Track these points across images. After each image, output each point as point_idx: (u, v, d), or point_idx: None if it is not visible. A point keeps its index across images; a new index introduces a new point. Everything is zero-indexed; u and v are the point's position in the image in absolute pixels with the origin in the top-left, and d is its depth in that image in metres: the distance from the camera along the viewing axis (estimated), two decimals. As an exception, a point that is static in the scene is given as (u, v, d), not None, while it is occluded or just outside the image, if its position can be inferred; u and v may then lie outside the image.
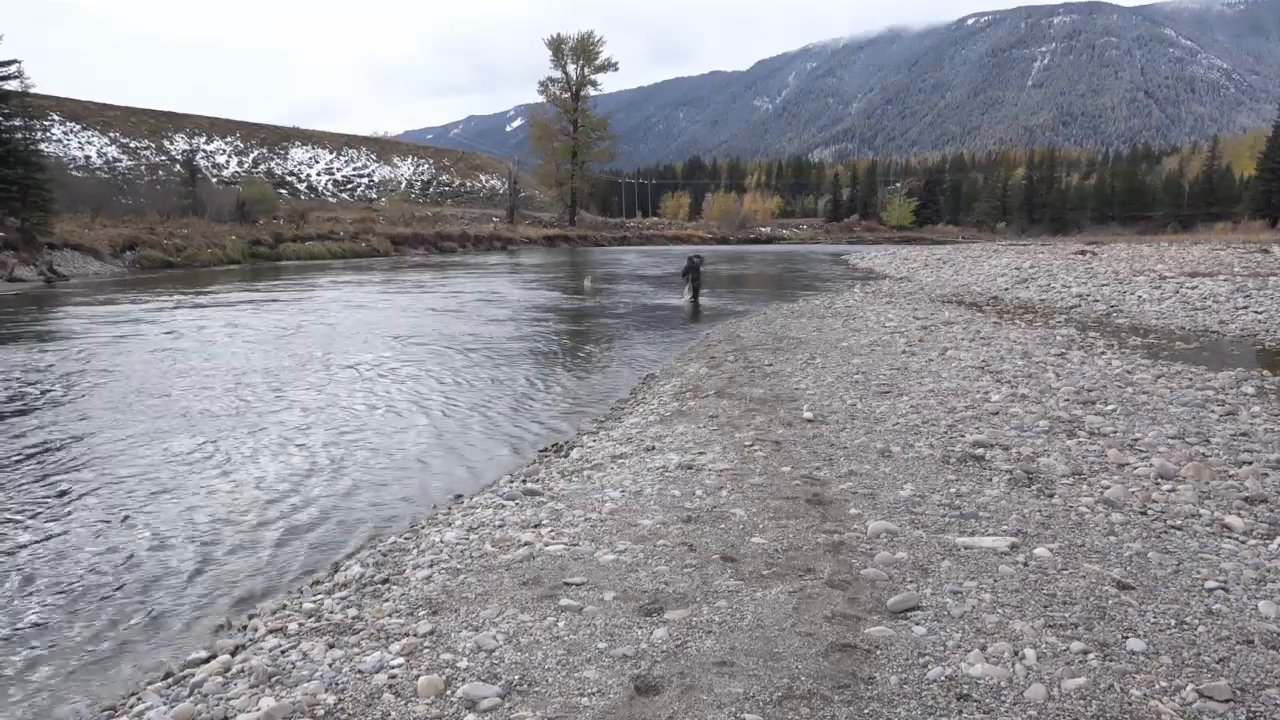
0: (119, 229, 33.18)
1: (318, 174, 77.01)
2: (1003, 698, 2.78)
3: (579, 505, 5.03)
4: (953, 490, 4.98)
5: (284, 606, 4.01)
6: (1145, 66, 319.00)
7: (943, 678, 2.90)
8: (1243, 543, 4.10)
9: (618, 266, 38.20)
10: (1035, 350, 10.52)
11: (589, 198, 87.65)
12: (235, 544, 4.97)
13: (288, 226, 44.12)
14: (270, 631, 3.66)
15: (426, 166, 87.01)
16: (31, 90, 30.70)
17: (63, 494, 5.78)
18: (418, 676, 3.03)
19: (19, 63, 28.99)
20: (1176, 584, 3.63)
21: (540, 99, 77.98)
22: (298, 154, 77.93)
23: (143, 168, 60.62)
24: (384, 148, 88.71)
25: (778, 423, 6.93)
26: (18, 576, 4.47)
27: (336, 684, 3.04)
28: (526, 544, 4.35)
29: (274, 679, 3.13)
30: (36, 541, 4.93)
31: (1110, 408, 7.09)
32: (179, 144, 67.60)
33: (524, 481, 5.83)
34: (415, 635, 3.36)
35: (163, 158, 63.78)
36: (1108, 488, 4.90)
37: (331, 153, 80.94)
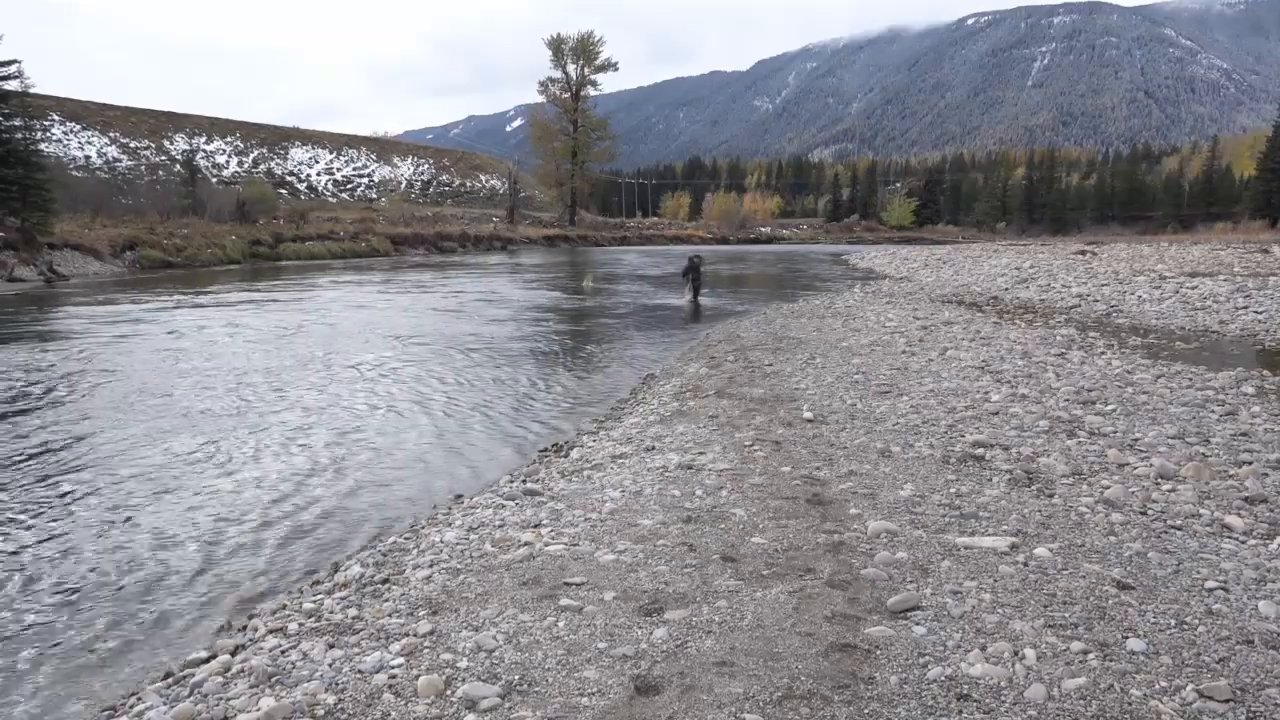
0: (119, 229, 33.19)
1: (318, 174, 77.01)
2: (1003, 698, 2.78)
3: (579, 505, 5.03)
4: (953, 490, 4.98)
5: (284, 606, 4.01)
6: (1145, 66, 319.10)
7: (943, 678, 2.90)
8: (1243, 543, 4.10)
9: (618, 266, 38.20)
10: (1035, 350, 10.52)
11: (589, 198, 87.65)
12: (236, 544, 4.97)
13: (288, 226, 44.13)
14: (270, 631, 3.66)
15: (426, 166, 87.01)
16: (31, 90, 30.72)
17: (65, 494, 5.78)
18: (418, 676, 3.03)
19: (19, 63, 29.03)
20: (1176, 584, 3.63)
21: (540, 99, 78.11)
22: (298, 154, 77.94)
23: (143, 168, 60.63)
24: (384, 148, 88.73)
25: (778, 423, 6.93)
26: (20, 576, 4.47)
27: (336, 684, 3.04)
28: (526, 544, 4.35)
29: (274, 679, 3.13)
30: (39, 542, 4.94)
31: (1110, 408, 7.09)
32: (179, 144, 67.61)
33: (524, 481, 5.83)
34: (415, 635, 3.36)
35: (163, 158, 63.79)
36: (1108, 488, 4.90)
37: (331, 153, 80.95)
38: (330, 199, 72.19)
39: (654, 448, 6.37)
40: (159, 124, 69.69)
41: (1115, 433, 6.25)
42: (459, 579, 3.95)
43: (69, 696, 3.40)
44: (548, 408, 8.85)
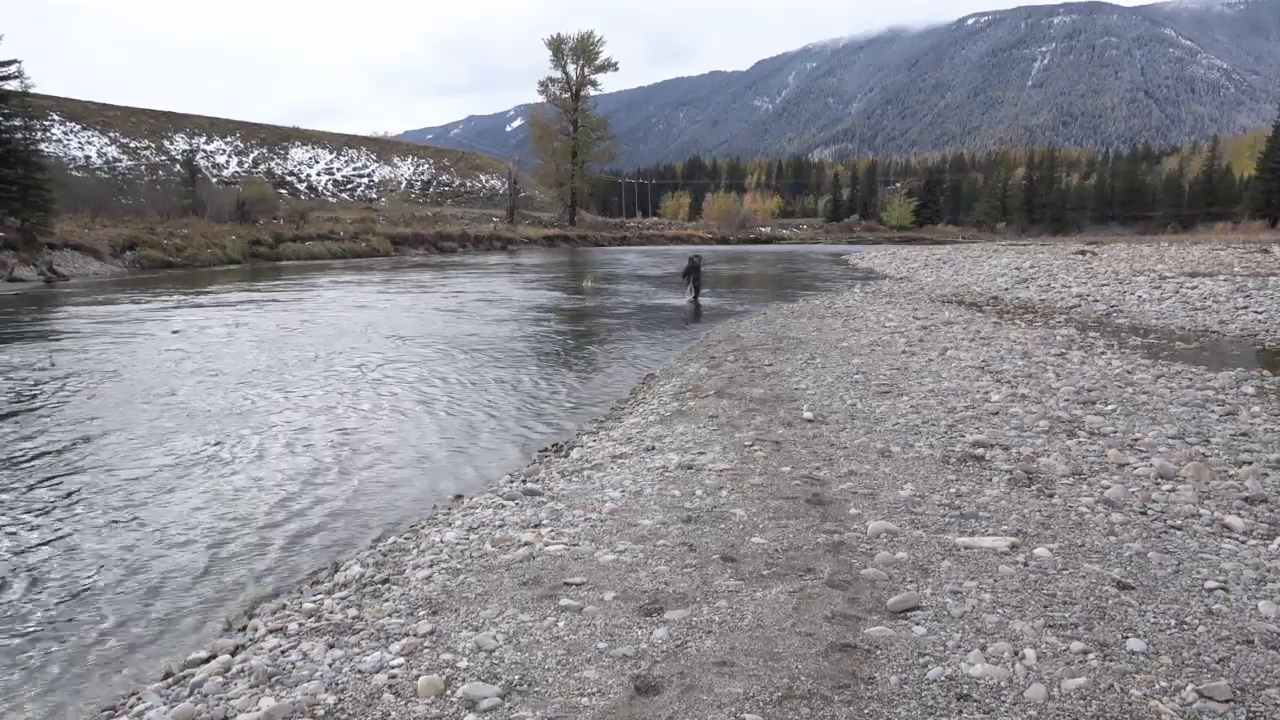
0: (119, 229, 33.19)
1: (318, 174, 77.02)
2: (1003, 698, 2.78)
3: (579, 505, 5.03)
4: (953, 490, 4.98)
5: (284, 606, 4.02)
6: (1145, 66, 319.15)
7: (943, 678, 2.90)
8: (1243, 543, 4.10)
9: (618, 266, 38.20)
10: (1035, 350, 10.52)
11: (589, 198, 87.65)
12: (238, 544, 4.97)
13: (288, 226, 44.13)
14: (270, 631, 3.66)
15: (426, 166, 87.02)
16: (31, 90, 30.72)
17: (68, 494, 5.78)
18: (418, 676, 3.03)
19: (19, 63, 29.03)
20: (1176, 584, 3.63)
21: (540, 99, 78.11)
22: (298, 154, 77.94)
23: (143, 168, 60.64)
24: (384, 148, 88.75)
25: (778, 423, 6.93)
26: (22, 576, 4.47)
27: (336, 684, 3.04)
28: (526, 544, 4.35)
29: (274, 679, 3.13)
30: (41, 542, 4.94)
31: (1110, 408, 7.09)
32: (179, 144, 67.62)
33: (524, 481, 5.83)
34: (415, 635, 3.36)
35: (163, 158, 63.80)
36: (1108, 488, 4.90)
37: (331, 153, 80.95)
38: (330, 199, 72.19)
39: (654, 448, 6.37)
40: (159, 124, 69.70)
41: (1115, 433, 6.25)
42: (459, 579, 3.95)
43: (69, 696, 3.40)
44: (548, 407, 8.85)
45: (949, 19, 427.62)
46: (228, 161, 70.82)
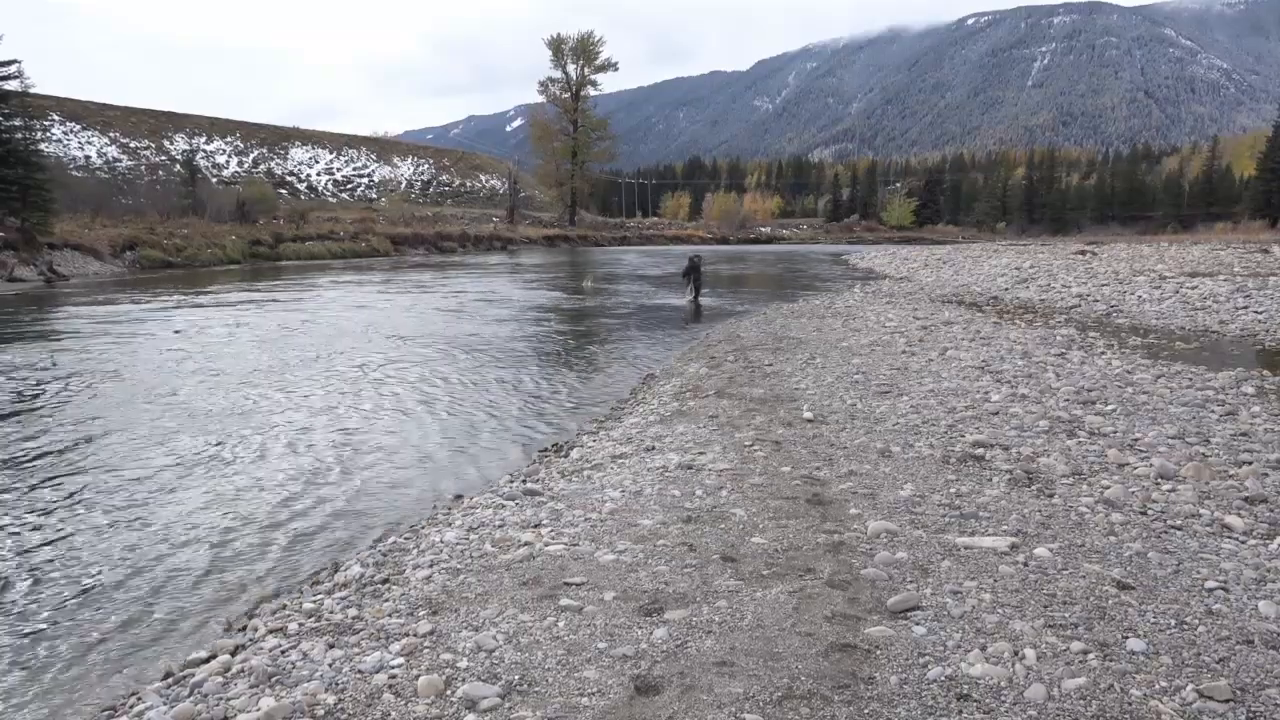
0: (119, 229, 33.19)
1: (318, 174, 77.02)
2: (1003, 698, 2.78)
3: (579, 505, 5.03)
4: (953, 490, 4.98)
5: (284, 606, 4.02)
6: (1145, 66, 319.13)
7: (943, 678, 2.90)
8: (1243, 543, 4.10)
9: (618, 266, 38.21)
10: (1035, 350, 10.52)
11: (589, 198, 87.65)
12: (240, 544, 4.97)
13: (288, 226, 44.13)
14: (270, 631, 3.66)
15: (426, 166, 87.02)
16: (31, 90, 30.72)
17: (70, 494, 5.78)
18: (418, 676, 3.03)
19: (19, 63, 29.03)
20: (1176, 584, 3.63)
21: (540, 99, 78.09)
22: (298, 154, 77.94)
23: (143, 168, 60.64)
24: (384, 148, 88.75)
25: (778, 423, 6.93)
26: (23, 576, 4.47)
27: (336, 684, 3.04)
28: (526, 544, 4.35)
29: (274, 679, 3.13)
30: (43, 543, 4.93)
31: (1110, 408, 7.09)
32: (179, 144, 67.63)
33: (524, 481, 5.83)
34: (415, 635, 3.37)
35: (163, 158, 63.80)
36: (1108, 488, 4.90)
37: (331, 153, 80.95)
38: (330, 199, 72.19)
39: (654, 448, 6.37)
40: (159, 124, 69.70)
41: (1115, 433, 6.25)
42: (459, 579, 3.95)
43: (70, 696, 3.40)
44: (548, 407, 8.85)
45: (949, 19, 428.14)
46: (228, 161, 70.82)
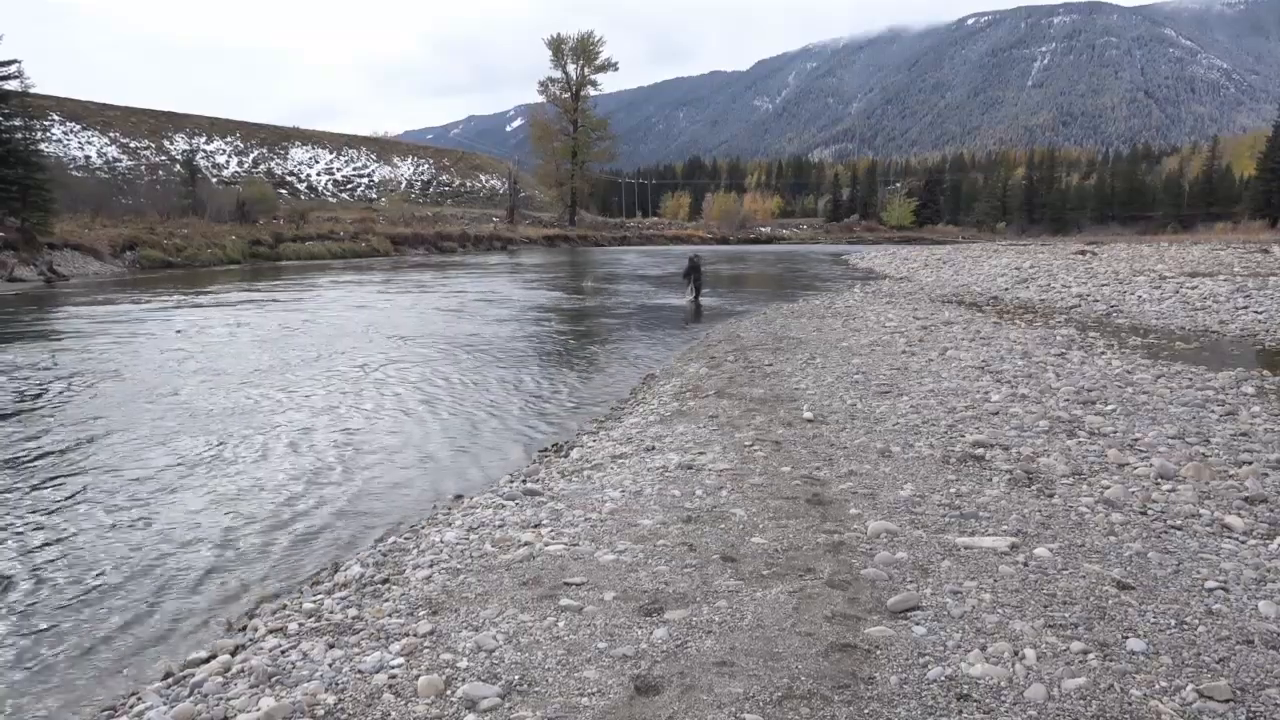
0: (119, 229, 33.19)
1: (318, 174, 77.01)
2: (1003, 698, 2.78)
3: (579, 505, 5.03)
4: (953, 490, 4.98)
5: (284, 606, 4.02)
6: (1145, 66, 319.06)
7: (943, 678, 2.90)
8: (1243, 543, 4.10)
9: (618, 266, 38.21)
10: (1035, 350, 10.53)
11: (589, 198, 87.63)
12: (241, 544, 4.97)
13: (288, 226, 44.13)
14: (270, 631, 3.66)
15: (426, 166, 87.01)
16: (31, 90, 30.72)
17: (72, 494, 5.78)
18: (418, 676, 3.03)
19: (19, 63, 29.04)
20: (1176, 584, 3.63)
21: (540, 99, 78.06)
22: (298, 154, 77.94)
23: (143, 168, 60.64)
24: (384, 148, 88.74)
25: (778, 423, 6.93)
26: (25, 576, 4.47)
27: (336, 684, 3.04)
28: (526, 544, 4.35)
29: (274, 679, 3.13)
30: (44, 543, 4.94)
31: (1110, 408, 7.09)
32: (179, 144, 67.62)
33: (524, 481, 5.83)
34: (415, 635, 3.37)
35: (163, 158, 63.80)
36: (1108, 488, 4.90)
37: (331, 153, 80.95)
38: (330, 199, 72.19)
39: (654, 448, 6.37)
40: (159, 124, 69.70)
41: (1115, 433, 6.25)
42: (459, 579, 3.95)
43: (70, 696, 3.40)
44: (548, 407, 8.85)
45: (949, 19, 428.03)
46: (228, 161, 70.82)
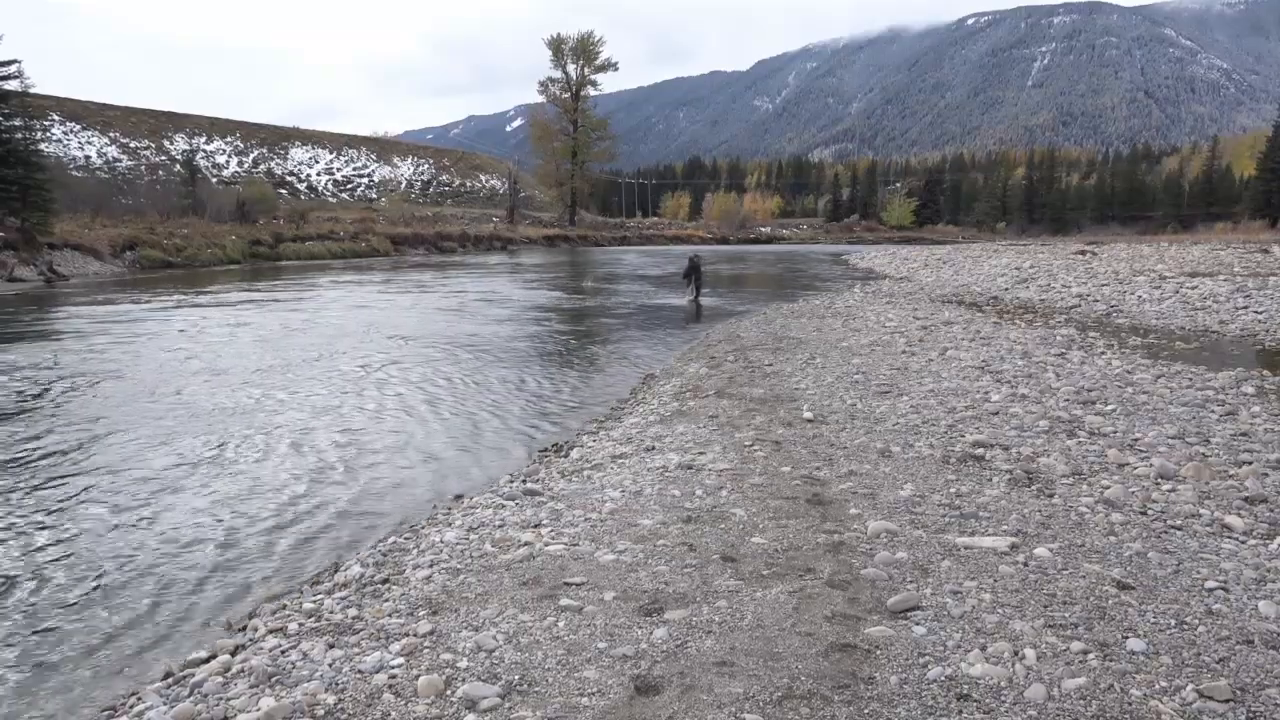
0: (119, 229, 33.19)
1: (318, 174, 77.01)
2: (1003, 698, 2.78)
3: (579, 505, 5.03)
4: (953, 490, 4.98)
5: (284, 606, 4.02)
6: (1145, 66, 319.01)
7: (943, 678, 2.90)
8: (1243, 543, 4.10)
9: (618, 266, 38.21)
10: (1035, 350, 10.53)
11: (589, 198, 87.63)
12: (243, 544, 4.97)
13: (288, 226, 44.14)
14: (270, 631, 3.66)
15: (426, 166, 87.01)
16: (31, 90, 30.72)
17: (74, 494, 5.78)
18: (418, 676, 3.03)
19: (19, 63, 29.04)
20: (1176, 584, 3.63)
21: (540, 99, 78.05)
22: (298, 154, 77.94)
23: (143, 168, 60.64)
24: (384, 148, 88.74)
25: (778, 423, 6.93)
26: (26, 576, 4.47)
27: (336, 684, 3.04)
28: (526, 544, 4.35)
29: (274, 679, 3.13)
30: (46, 543, 4.94)
31: (1110, 408, 7.09)
32: (179, 144, 67.62)
33: (524, 481, 5.83)
34: (415, 635, 3.37)
35: (163, 158, 63.80)
36: (1108, 488, 4.90)
37: (331, 153, 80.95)
38: (330, 199, 72.19)
39: (654, 448, 6.37)
40: (159, 124, 69.69)
41: (1115, 433, 6.25)
42: (459, 579, 3.95)
43: (70, 696, 3.40)
44: (548, 407, 8.85)
45: (949, 19, 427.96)
46: (228, 161, 70.82)
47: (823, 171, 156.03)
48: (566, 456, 6.62)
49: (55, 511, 5.44)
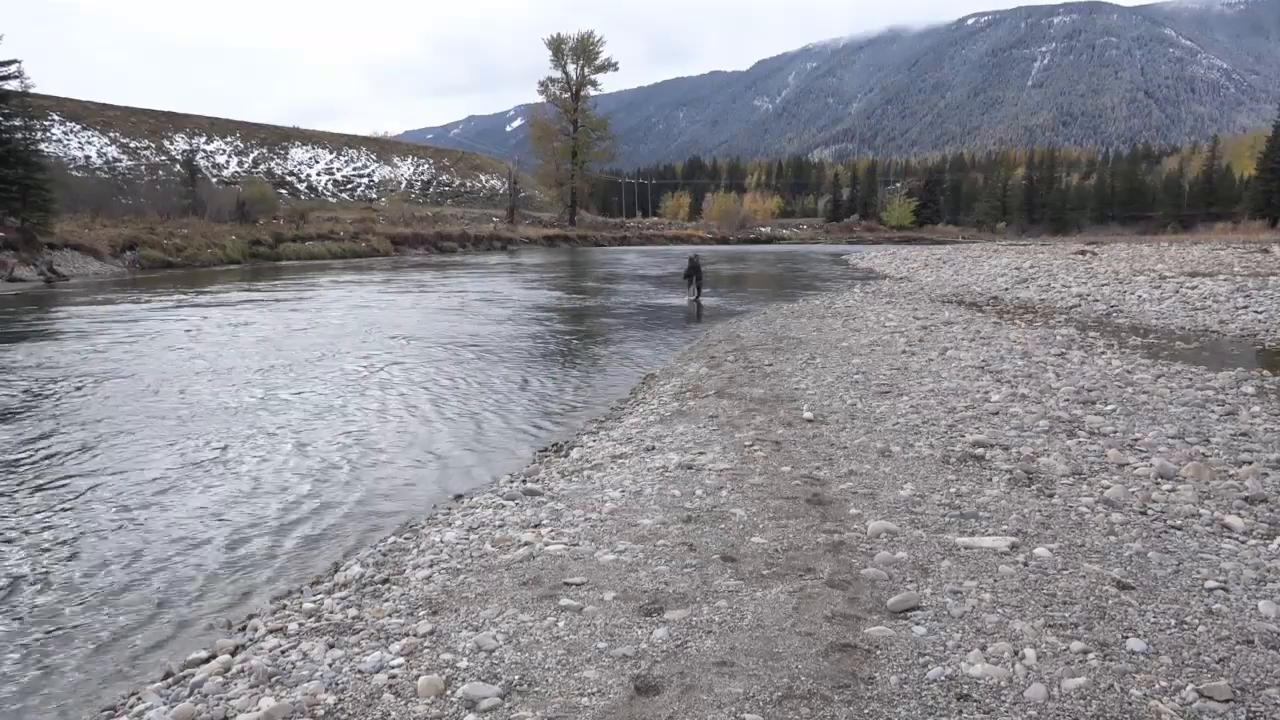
0: (119, 229, 33.21)
1: (318, 174, 77.02)
2: (1003, 698, 2.78)
3: (579, 505, 5.03)
4: (953, 490, 4.98)
5: (284, 606, 4.02)
6: (1145, 66, 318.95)
7: (943, 678, 2.90)
8: (1243, 543, 4.10)
9: (618, 266, 38.21)
10: (1035, 350, 10.52)
11: (589, 198, 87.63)
12: (245, 544, 4.97)
13: (288, 226, 44.15)
14: (270, 631, 3.66)
15: (426, 166, 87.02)
16: (31, 90, 30.76)
17: (75, 494, 5.79)
18: (418, 676, 3.03)
19: (19, 63, 29.07)
20: (1176, 584, 3.63)
21: (540, 99, 78.09)
22: (298, 154, 77.95)
23: (143, 168, 60.64)
24: (384, 148, 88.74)
25: (778, 423, 6.93)
26: (27, 576, 4.47)
27: (336, 684, 3.04)
28: (526, 544, 4.35)
29: (274, 679, 3.13)
30: (47, 543, 4.94)
31: (1110, 408, 7.09)
32: (179, 144, 67.63)
33: (524, 481, 5.83)
34: (415, 635, 3.37)
35: (163, 158, 63.80)
36: (1108, 488, 4.90)
37: (331, 153, 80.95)
38: (330, 199, 72.19)
39: (654, 448, 6.37)
40: (159, 124, 69.70)
41: (1115, 433, 6.25)
42: (459, 579, 3.95)
43: (70, 696, 3.40)
44: (548, 407, 8.86)
45: (949, 19, 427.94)
46: (228, 161, 70.82)
47: (823, 171, 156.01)
48: (566, 456, 6.62)
49: (58, 511, 5.45)
